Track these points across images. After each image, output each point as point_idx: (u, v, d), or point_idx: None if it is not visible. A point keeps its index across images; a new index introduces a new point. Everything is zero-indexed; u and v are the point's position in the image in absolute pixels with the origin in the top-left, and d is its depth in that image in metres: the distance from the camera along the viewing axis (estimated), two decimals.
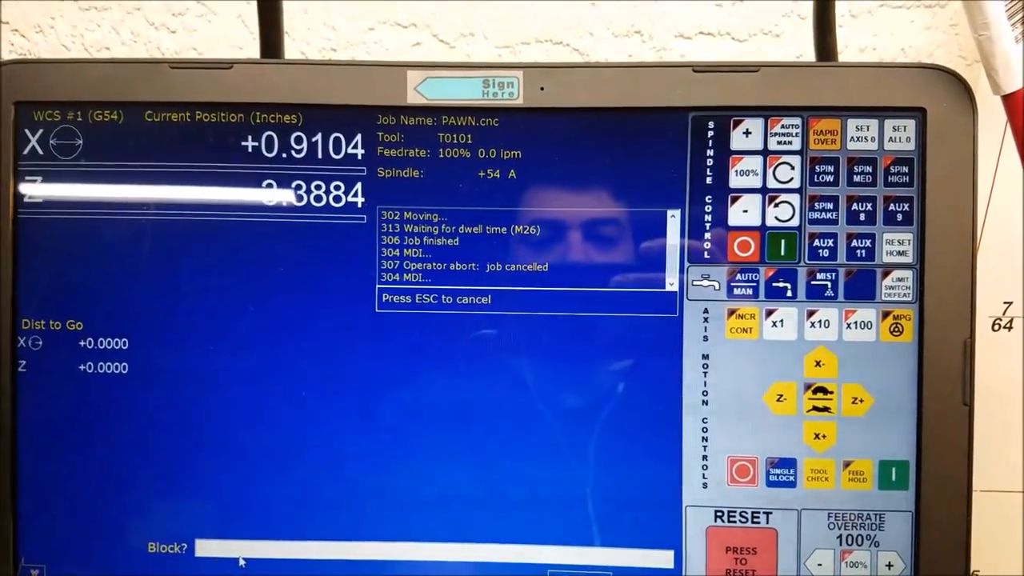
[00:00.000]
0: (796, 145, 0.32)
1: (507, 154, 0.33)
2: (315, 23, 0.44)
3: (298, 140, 0.33)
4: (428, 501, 0.34)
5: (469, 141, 0.33)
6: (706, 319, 0.33)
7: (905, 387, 0.32)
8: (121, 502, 0.34)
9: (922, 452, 0.32)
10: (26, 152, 0.33)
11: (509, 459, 0.33)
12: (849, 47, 0.43)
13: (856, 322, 0.33)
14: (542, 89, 0.32)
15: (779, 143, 0.32)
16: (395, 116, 0.33)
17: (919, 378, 0.32)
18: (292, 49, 0.43)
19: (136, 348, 0.34)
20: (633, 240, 0.33)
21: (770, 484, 0.33)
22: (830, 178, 0.32)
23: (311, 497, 0.34)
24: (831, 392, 0.33)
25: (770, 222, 0.33)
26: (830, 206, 0.32)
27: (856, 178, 0.32)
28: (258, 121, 0.33)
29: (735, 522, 0.33)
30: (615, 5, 0.43)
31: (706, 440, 0.33)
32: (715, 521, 0.33)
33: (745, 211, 0.33)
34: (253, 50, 0.41)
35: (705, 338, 0.33)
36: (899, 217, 0.32)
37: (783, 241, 0.33)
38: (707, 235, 0.33)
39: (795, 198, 0.33)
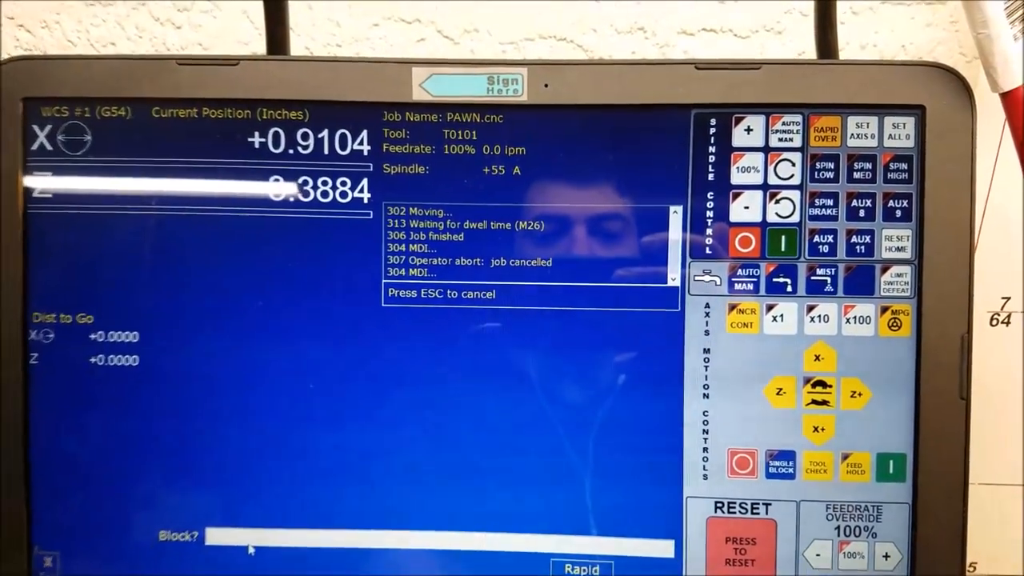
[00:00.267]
0: (797, 142, 0.33)
1: (511, 150, 0.33)
2: (320, 19, 0.44)
3: (304, 136, 0.33)
4: (433, 491, 0.34)
5: (474, 138, 0.33)
6: (707, 314, 0.33)
7: (903, 381, 0.33)
8: (132, 491, 0.34)
9: (920, 445, 0.33)
10: (35, 148, 0.34)
11: (513, 450, 0.34)
12: (850, 44, 0.43)
13: (855, 317, 0.33)
14: (546, 86, 0.33)
15: (780, 140, 0.33)
16: (400, 113, 0.33)
17: (917, 372, 0.33)
18: (297, 45, 0.43)
19: (146, 341, 0.34)
20: (636, 236, 0.33)
21: (769, 476, 0.34)
22: (830, 175, 0.33)
23: (319, 487, 0.34)
24: (830, 386, 0.33)
25: (771, 218, 0.33)
26: (830, 202, 0.33)
27: (856, 175, 0.33)
28: (265, 117, 0.33)
29: (735, 513, 0.34)
30: (618, 3, 0.44)
31: (707, 432, 0.34)
32: (715, 512, 0.34)
33: (746, 207, 0.33)
34: (259, 46, 0.41)
35: (706, 332, 0.33)
36: (898, 213, 0.33)
37: (783, 237, 0.33)
38: (709, 231, 0.33)
39: (796, 194, 0.33)
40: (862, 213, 0.33)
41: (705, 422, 0.34)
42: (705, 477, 0.34)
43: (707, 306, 0.33)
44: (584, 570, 0.34)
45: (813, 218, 0.33)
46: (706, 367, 0.33)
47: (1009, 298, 0.42)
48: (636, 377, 0.34)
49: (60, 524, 0.34)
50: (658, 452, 0.34)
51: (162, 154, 0.33)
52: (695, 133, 0.33)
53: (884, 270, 0.33)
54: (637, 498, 0.34)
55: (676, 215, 0.33)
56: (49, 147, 0.34)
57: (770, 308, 0.33)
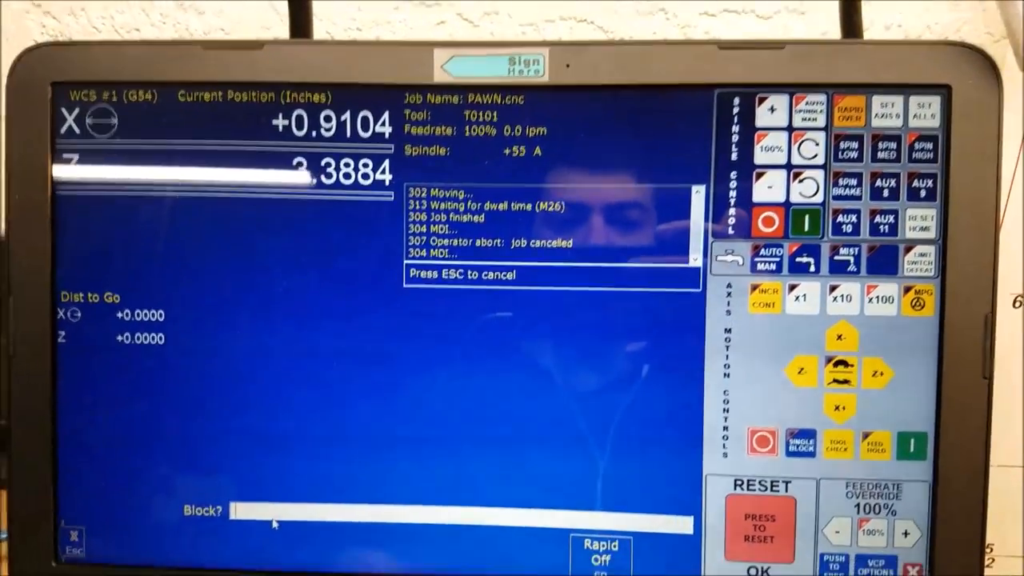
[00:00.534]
0: (821, 122, 0.33)
1: (533, 131, 0.33)
2: (340, 3, 0.44)
3: (327, 119, 0.34)
4: (454, 467, 0.35)
5: (495, 119, 0.33)
6: (729, 294, 0.33)
7: (925, 361, 0.33)
8: (158, 467, 0.35)
9: (941, 424, 0.33)
10: (63, 131, 0.34)
11: (533, 428, 0.34)
12: (875, 24, 0.43)
13: (878, 296, 0.33)
14: (568, 66, 0.33)
15: (804, 120, 0.33)
16: (422, 94, 0.33)
17: (940, 352, 0.33)
18: (318, 28, 0.43)
19: (172, 320, 0.35)
20: (657, 216, 0.33)
21: (790, 454, 0.34)
22: (854, 154, 0.33)
23: (342, 462, 0.35)
24: (852, 365, 0.33)
25: (794, 198, 0.33)
26: (854, 182, 0.33)
27: (880, 154, 0.33)
28: (288, 100, 0.34)
29: (755, 490, 0.34)
30: None
31: (727, 411, 0.34)
32: (735, 489, 0.34)
33: (769, 187, 0.33)
34: (281, 30, 0.41)
35: (728, 312, 0.33)
36: (922, 193, 0.33)
37: (807, 217, 0.33)
38: (731, 211, 0.33)
39: (819, 174, 0.33)
40: (886, 193, 0.33)
41: (726, 401, 0.34)
42: (725, 455, 0.34)
43: (729, 286, 0.33)
44: (603, 546, 0.34)
45: (837, 198, 0.33)
46: (727, 347, 0.34)
47: None
48: (657, 357, 0.34)
49: (86, 500, 0.35)
50: (678, 430, 0.34)
51: (187, 137, 0.34)
52: (718, 113, 0.33)
53: (908, 250, 0.33)
54: (657, 475, 0.34)
55: (699, 195, 0.33)
56: (77, 130, 0.34)
57: (792, 288, 0.33)
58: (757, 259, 0.33)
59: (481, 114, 0.33)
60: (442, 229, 0.34)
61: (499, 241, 0.34)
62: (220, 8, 0.44)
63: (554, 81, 0.33)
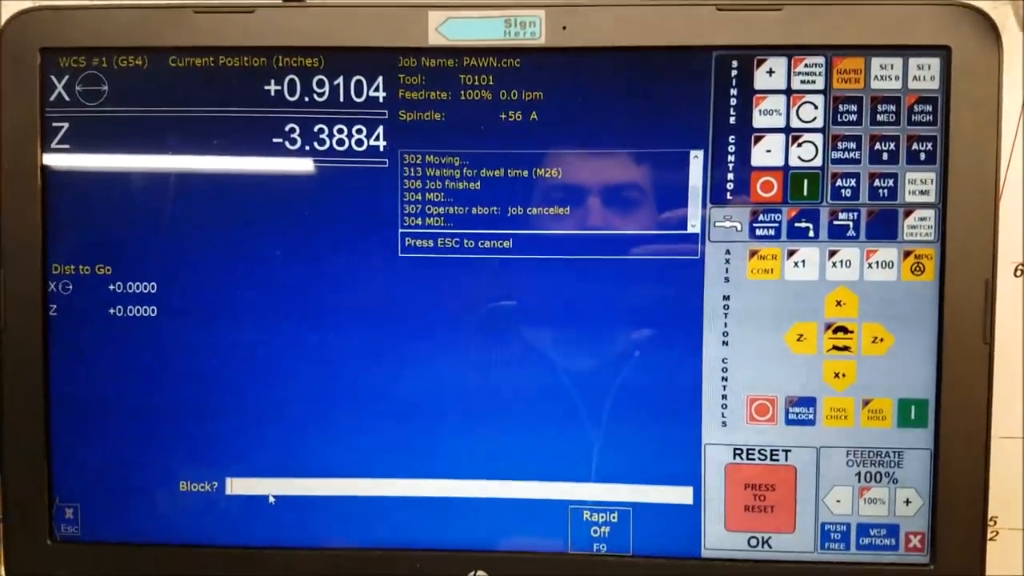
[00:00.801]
0: (819, 84, 0.32)
1: (529, 95, 0.33)
2: None
3: (320, 84, 0.33)
4: (451, 439, 0.34)
5: (490, 82, 0.33)
6: (728, 260, 0.33)
7: (926, 326, 0.33)
8: (152, 442, 0.35)
9: (942, 390, 0.33)
10: (52, 99, 0.33)
11: (530, 398, 0.34)
12: None
13: (877, 262, 0.33)
14: (564, 28, 0.32)
15: (802, 82, 0.32)
16: (416, 58, 0.33)
17: (940, 317, 0.32)
18: None
19: (164, 292, 0.34)
20: (655, 181, 0.33)
21: (789, 423, 0.34)
22: (853, 117, 0.32)
23: (338, 436, 0.34)
24: (851, 331, 0.33)
25: (793, 162, 0.33)
26: (853, 146, 0.32)
27: (879, 117, 0.32)
28: (280, 65, 0.33)
29: (754, 459, 0.34)
30: None
31: (726, 379, 0.34)
32: (734, 459, 0.34)
33: (768, 151, 0.33)
34: None
35: (726, 279, 0.33)
36: (922, 156, 0.32)
37: (806, 181, 0.33)
38: (730, 175, 0.33)
39: (818, 138, 0.32)
40: (885, 156, 0.32)
41: (724, 369, 0.33)
42: (724, 424, 0.34)
43: (727, 252, 0.33)
44: (602, 517, 0.34)
45: (836, 161, 0.33)
46: (726, 314, 0.33)
47: None
48: (655, 325, 0.34)
49: (80, 476, 0.35)
50: (677, 399, 0.34)
51: (178, 104, 0.33)
52: (716, 75, 0.32)
53: (907, 214, 0.32)
54: (655, 445, 0.34)
55: (696, 160, 0.33)
56: (67, 97, 0.33)
57: (791, 254, 0.33)
58: (756, 224, 0.33)
59: (476, 78, 0.33)
60: (437, 197, 0.33)
61: (495, 209, 0.33)
62: None
63: (550, 43, 0.32)
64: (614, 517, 0.34)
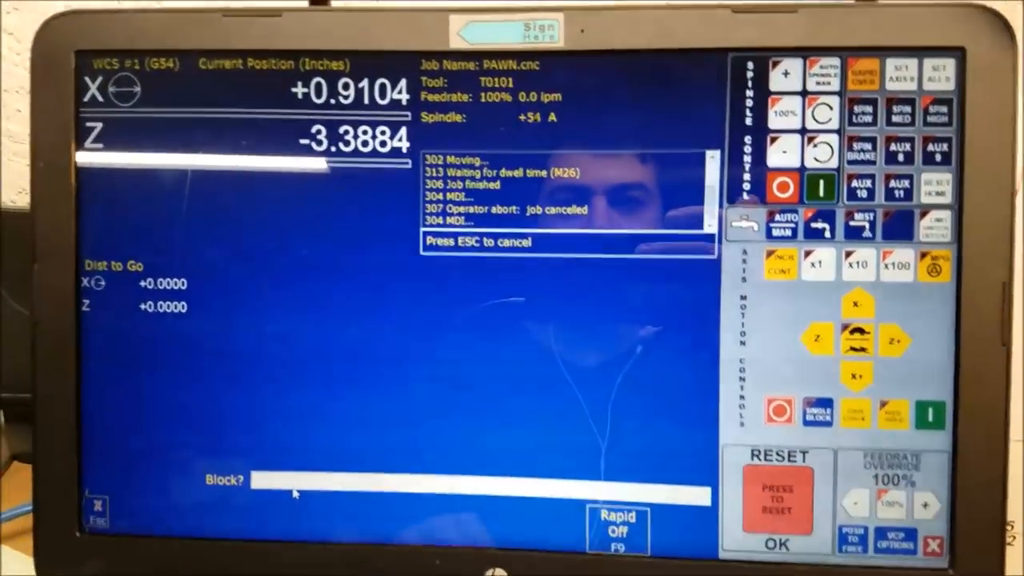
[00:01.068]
0: (835, 85, 0.33)
1: (548, 97, 0.33)
2: None
3: (345, 86, 0.34)
4: (471, 436, 0.35)
5: (510, 85, 0.34)
6: (744, 260, 0.33)
7: (943, 327, 0.33)
8: (180, 436, 0.35)
9: (960, 392, 0.32)
10: (86, 99, 0.35)
11: (549, 397, 0.34)
12: None
13: (894, 263, 0.33)
14: (582, 31, 0.33)
15: (818, 83, 0.33)
16: (438, 61, 0.34)
17: (957, 318, 0.32)
18: None
19: (194, 288, 0.35)
20: (672, 182, 0.33)
21: (807, 424, 0.34)
22: (869, 118, 0.33)
23: (361, 431, 0.35)
24: (868, 332, 0.33)
25: (809, 163, 0.33)
26: (868, 147, 0.33)
27: (895, 118, 0.32)
28: (307, 68, 0.34)
29: (771, 460, 0.34)
30: None
31: (743, 380, 0.34)
32: (752, 459, 0.34)
33: (784, 152, 0.33)
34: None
35: (743, 279, 0.33)
36: (938, 157, 0.32)
37: (822, 182, 0.33)
38: (746, 176, 0.33)
39: (834, 139, 0.33)
40: (901, 157, 0.33)
41: (742, 369, 0.34)
42: (742, 424, 0.34)
43: (744, 252, 0.33)
44: (620, 516, 0.34)
45: (852, 162, 0.33)
46: (743, 314, 0.33)
47: None
48: (672, 324, 0.34)
49: (110, 469, 0.36)
50: (694, 399, 0.34)
51: (208, 105, 0.34)
52: (732, 77, 0.33)
53: (923, 215, 0.33)
54: (673, 445, 0.34)
55: (713, 160, 0.33)
56: (100, 98, 0.35)
57: (808, 254, 0.33)
58: (772, 225, 0.33)
59: (497, 80, 0.34)
60: (458, 196, 0.34)
61: (515, 208, 0.34)
62: None
63: (569, 46, 0.33)
64: (632, 517, 0.34)
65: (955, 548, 0.33)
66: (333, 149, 0.34)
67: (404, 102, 0.34)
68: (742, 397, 0.34)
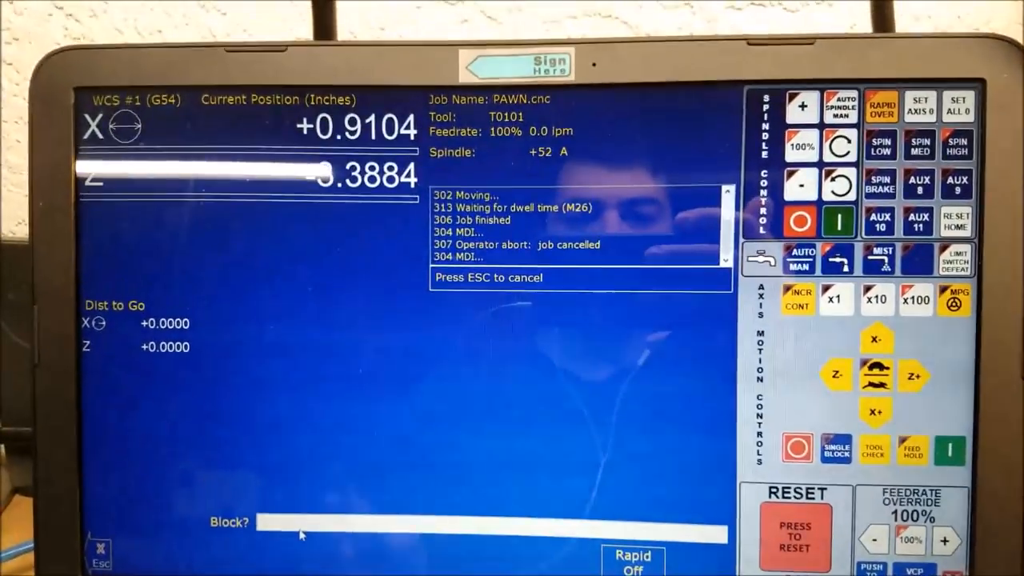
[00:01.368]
0: (853, 118, 0.32)
1: (559, 131, 0.33)
2: (364, 1, 0.44)
3: (352, 121, 0.33)
4: (484, 476, 0.34)
5: (520, 119, 0.33)
6: (761, 295, 0.33)
7: (963, 362, 0.32)
8: (184, 478, 0.35)
9: (980, 428, 0.32)
10: (86, 136, 0.34)
11: (563, 434, 0.34)
12: (903, 15, 0.42)
13: (913, 297, 0.32)
14: (594, 65, 0.32)
15: (835, 116, 0.32)
16: (447, 96, 0.33)
17: (977, 353, 0.32)
18: (340, 27, 0.43)
19: (197, 327, 0.34)
20: (687, 216, 0.33)
21: (825, 460, 0.33)
22: (887, 151, 0.32)
23: (369, 472, 0.34)
24: (887, 368, 0.33)
25: (826, 196, 0.32)
26: (887, 180, 0.32)
27: (914, 151, 0.32)
28: (313, 103, 0.33)
29: (790, 498, 0.33)
30: None
31: (761, 416, 0.33)
32: (769, 497, 0.33)
33: (801, 185, 0.32)
34: (304, 30, 0.41)
35: (760, 314, 0.33)
36: (957, 190, 0.32)
37: (840, 216, 0.32)
38: (762, 210, 0.33)
39: (852, 172, 0.32)
40: (920, 190, 0.32)
41: (759, 406, 0.33)
42: (759, 462, 0.33)
43: (761, 287, 0.33)
44: (636, 556, 0.34)
45: (870, 196, 0.32)
46: (760, 350, 0.33)
47: None
48: (688, 361, 0.33)
49: (113, 511, 0.35)
50: (711, 437, 0.33)
51: (211, 141, 0.34)
52: (748, 110, 0.32)
53: (943, 249, 0.32)
54: (690, 483, 0.34)
55: (729, 194, 0.32)
56: (100, 136, 0.34)
57: (826, 289, 0.33)
58: (789, 259, 0.33)
59: (507, 115, 0.33)
60: (468, 232, 0.33)
61: (526, 243, 0.33)
62: (242, 8, 0.44)
63: (580, 80, 0.32)
64: (648, 556, 0.34)
65: None
66: (340, 185, 0.34)
67: (412, 137, 0.33)
68: (759, 434, 0.33)
